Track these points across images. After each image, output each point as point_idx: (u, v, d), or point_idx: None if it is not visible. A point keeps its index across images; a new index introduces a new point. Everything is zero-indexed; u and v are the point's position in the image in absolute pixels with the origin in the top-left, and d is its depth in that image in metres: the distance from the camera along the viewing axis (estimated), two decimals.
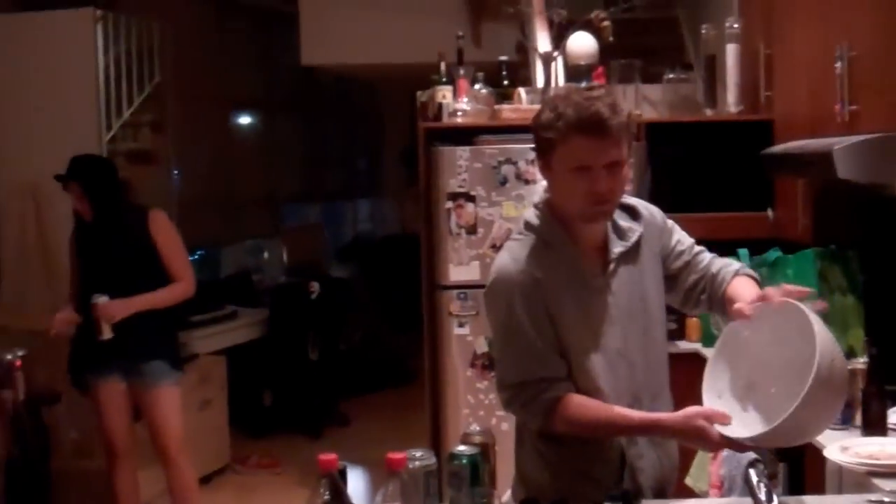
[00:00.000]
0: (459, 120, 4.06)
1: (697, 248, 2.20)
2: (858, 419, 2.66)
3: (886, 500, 2.02)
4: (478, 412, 3.90)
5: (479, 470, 1.91)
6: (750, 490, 1.76)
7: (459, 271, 3.93)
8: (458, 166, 3.90)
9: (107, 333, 3.78)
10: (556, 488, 2.04)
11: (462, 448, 1.94)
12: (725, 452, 3.17)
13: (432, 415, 4.04)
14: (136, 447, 4.10)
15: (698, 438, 1.92)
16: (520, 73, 5.01)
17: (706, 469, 3.30)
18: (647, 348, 2.10)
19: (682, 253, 2.18)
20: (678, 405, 3.37)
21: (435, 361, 4.02)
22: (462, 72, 4.13)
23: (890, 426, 2.57)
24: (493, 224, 3.92)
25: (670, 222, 2.21)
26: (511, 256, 2.05)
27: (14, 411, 3.67)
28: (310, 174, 8.71)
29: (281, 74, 7.85)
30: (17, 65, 4.95)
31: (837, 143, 2.77)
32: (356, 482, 1.90)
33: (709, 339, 3.85)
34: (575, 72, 4.16)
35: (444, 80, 4.17)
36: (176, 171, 6.38)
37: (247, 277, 6.97)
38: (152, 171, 5.88)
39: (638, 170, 3.76)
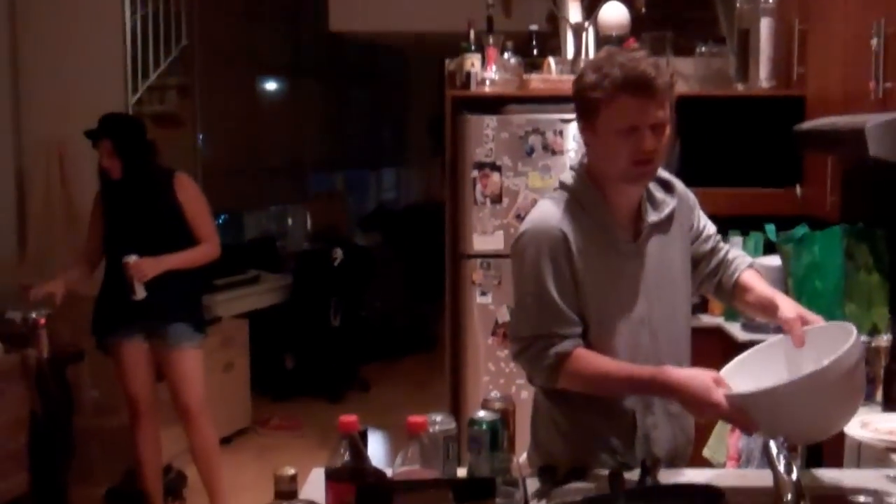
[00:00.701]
0: (487, 89, 4.05)
1: (717, 235, 2.23)
2: (879, 395, 2.65)
3: None
4: (498, 380, 3.91)
5: (499, 435, 1.92)
6: (770, 462, 1.75)
7: (483, 240, 3.93)
8: (485, 135, 3.89)
9: (140, 293, 3.80)
10: (571, 456, 2.05)
11: (482, 413, 1.95)
12: None
13: (452, 382, 4.06)
14: (159, 407, 4.14)
15: (702, 396, 1.85)
16: (550, 43, 4.98)
17: (724, 441, 3.30)
18: (671, 319, 2.10)
19: (709, 237, 2.19)
20: None
21: (456, 329, 4.04)
22: (491, 40, 4.11)
23: None
24: (518, 194, 3.91)
25: (698, 206, 2.21)
26: (543, 212, 2.04)
27: (38, 369, 3.70)
28: (335, 141, 8.69)
29: (308, 40, 7.82)
30: (44, 25, 4.95)
31: (870, 121, 2.73)
32: (376, 446, 1.92)
33: (731, 315, 3.84)
34: (606, 43, 4.12)
35: (472, 48, 4.15)
36: (201, 136, 6.39)
37: (270, 243, 7.01)
38: (178, 134, 5.88)
39: (668, 143, 3.73)
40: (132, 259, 3.79)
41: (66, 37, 4.96)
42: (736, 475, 2.37)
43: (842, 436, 2.48)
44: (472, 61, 4.11)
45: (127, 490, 4.33)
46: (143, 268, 3.80)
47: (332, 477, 1.68)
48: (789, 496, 1.66)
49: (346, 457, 1.69)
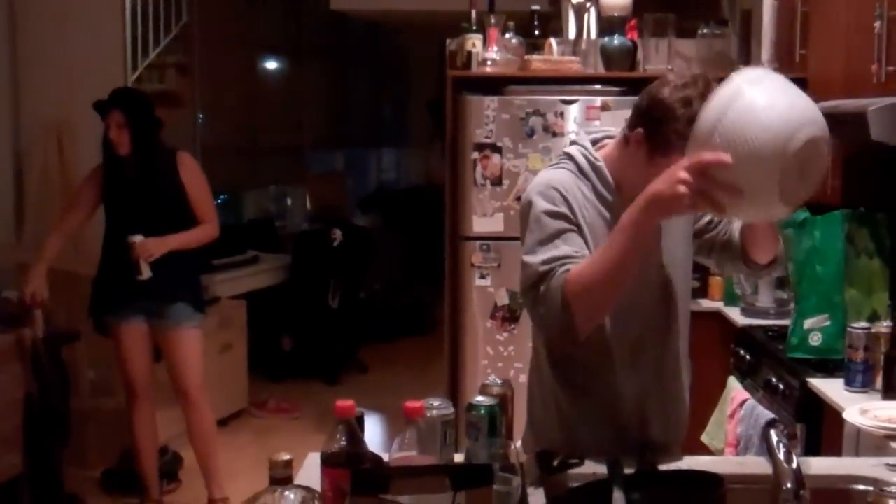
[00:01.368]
0: (489, 69, 4.02)
1: None
2: (879, 383, 2.64)
3: None
4: (496, 364, 3.90)
5: (497, 421, 1.90)
6: (769, 449, 1.74)
7: (483, 222, 3.91)
8: (486, 116, 3.86)
9: (146, 272, 3.79)
10: (567, 440, 2.04)
11: (480, 399, 1.93)
12: (742, 411, 3.18)
13: (451, 365, 4.05)
14: (155, 389, 4.13)
15: (668, 175, 1.68)
16: (552, 23, 4.95)
17: (723, 427, 3.30)
18: (666, 301, 2.08)
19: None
20: (699, 362, 3.37)
21: (455, 312, 4.02)
22: (493, 20, 4.07)
23: None
24: (518, 176, 3.89)
25: None
26: (550, 177, 2.00)
27: (34, 350, 3.69)
28: (335, 121, 8.66)
29: (309, 20, 7.77)
30: (42, 5, 4.91)
31: (872, 104, 2.71)
32: (373, 429, 1.91)
33: (731, 298, 3.83)
34: (608, 24, 4.09)
35: (474, 28, 4.12)
36: (201, 115, 6.36)
37: (269, 223, 6.99)
38: (177, 113, 5.84)
39: None
40: (138, 239, 3.78)
41: (65, 16, 4.92)
42: (734, 462, 2.36)
43: (841, 423, 2.48)
44: (474, 42, 4.08)
45: (123, 472, 4.34)
46: (150, 247, 3.79)
47: (327, 462, 1.66)
48: (789, 484, 1.65)
49: (343, 442, 1.67)
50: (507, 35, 4.12)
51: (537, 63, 3.97)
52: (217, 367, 5.04)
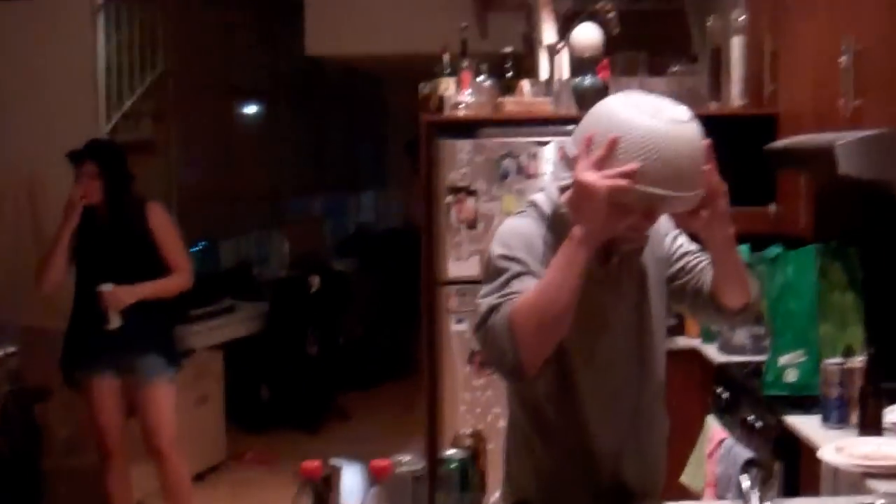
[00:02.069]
0: (461, 113, 4.02)
1: (701, 254, 2.11)
2: (855, 419, 2.61)
3: (880, 502, 1.98)
4: (474, 409, 3.86)
5: (469, 474, 1.88)
6: (743, 497, 1.71)
7: (459, 266, 3.89)
8: (460, 160, 3.85)
9: (115, 322, 3.77)
10: (543, 491, 2.01)
11: (451, 452, 1.91)
12: (721, 451, 3.15)
13: (429, 411, 4.01)
14: (128, 444, 4.06)
15: (586, 196, 1.76)
16: (526, 64, 4.96)
17: (702, 467, 3.26)
18: (640, 346, 2.05)
19: (681, 257, 2.11)
20: (678, 400, 3.33)
21: (433, 357, 3.99)
22: (465, 64, 4.08)
23: (886, 426, 2.52)
24: (493, 219, 3.87)
25: (675, 231, 2.13)
26: (513, 225, 2.00)
27: (2, 407, 3.62)
28: (313, 166, 8.66)
29: (286, 65, 7.80)
30: (16, 55, 4.90)
31: (840, 139, 2.72)
32: (354, 478, 1.87)
33: (708, 336, 3.81)
34: (579, 64, 4.10)
35: (447, 71, 4.13)
36: (177, 162, 6.34)
37: (247, 270, 6.93)
38: (154, 161, 5.84)
39: None
40: (107, 288, 3.75)
41: (37, 67, 4.91)
42: None
43: (819, 460, 2.45)
44: (447, 85, 4.09)
45: None
46: (119, 296, 3.76)
47: None
48: None
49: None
50: (480, 78, 4.13)
51: (510, 105, 3.98)
52: (194, 420, 4.97)
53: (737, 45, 3.90)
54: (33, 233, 4.70)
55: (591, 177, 1.76)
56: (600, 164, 1.76)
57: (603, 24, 4.03)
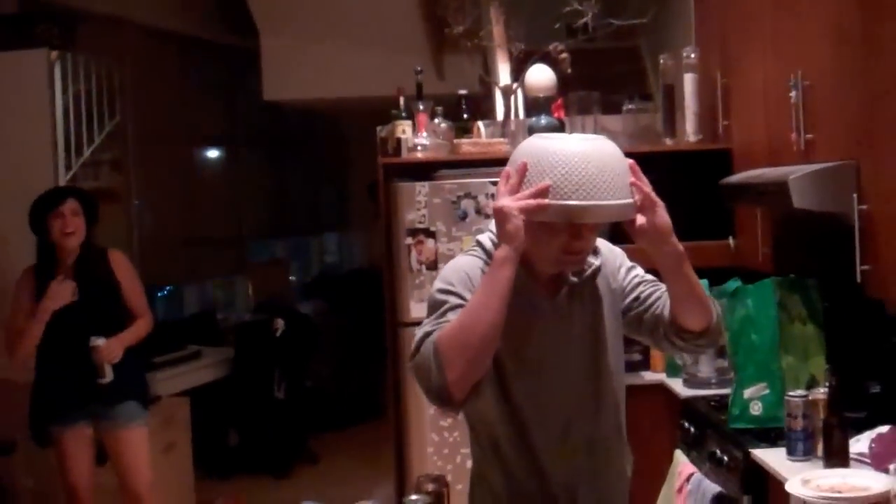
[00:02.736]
0: (419, 155, 4.05)
1: (658, 283, 2.12)
2: (820, 450, 2.63)
3: None
4: (442, 450, 3.84)
5: None
6: None
7: (420, 308, 3.81)
8: (418, 202, 3.86)
9: (109, 375, 3.78)
10: None
11: (413, 497, 1.90)
12: (689, 486, 3.15)
13: (396, 453, 3.98)
14: (98, 493, 4.01)
15: (501, 213, 1.85)
16: (483, 105, 5.01)
17: (672, 503, 3.26)
18: (594, 379, 2.06)
19: (634, 287, 2.13)
20: (645, 435, 3.33)
21: (398, 399, 3.97)
22: (421, 106, 4.11)
23: (852, 457, 2.54)
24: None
25: (630, 263, 2.17)
26: (457, 264, 2.04)
27: None
28: (276, 209, 8.65)
29: (245, 110, 7.81)
30: None
31: (793, 173, 2.76)
32: None
33: (673, 370, 3.83)
34: (534, 104, 4.15)
35: (403, 114, 4.15)
36: (138, 209, 6.32)
37: (211, 316, 6.89)
38: (114, 209, 5.80)
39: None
40: (101, 342, 3.76)
41: None
42: None
43: (786, 495, 2.46)
44: (403, 128, 4.11)
45: None
46: (113, 348, 3.79)
47: None
48: None
49: None
50: (437, 120, 4.16)
51: (466, 146, 4.01)
52: (161, 469, 4.88)
53: (689, 82, 3.96)
54: None
55: (505, 201, 1.85)
56: (514, 190, 1.85)
57: (555, 64, 4.08)
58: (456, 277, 1.97)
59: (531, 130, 4.04)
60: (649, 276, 2.14)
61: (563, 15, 4.30)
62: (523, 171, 1.85)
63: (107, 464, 4.00)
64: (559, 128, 4.03)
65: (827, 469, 2.49)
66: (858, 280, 2.64)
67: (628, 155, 1.95)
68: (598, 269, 2.08)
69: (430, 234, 3.86)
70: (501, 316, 1.84)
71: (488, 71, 5.10)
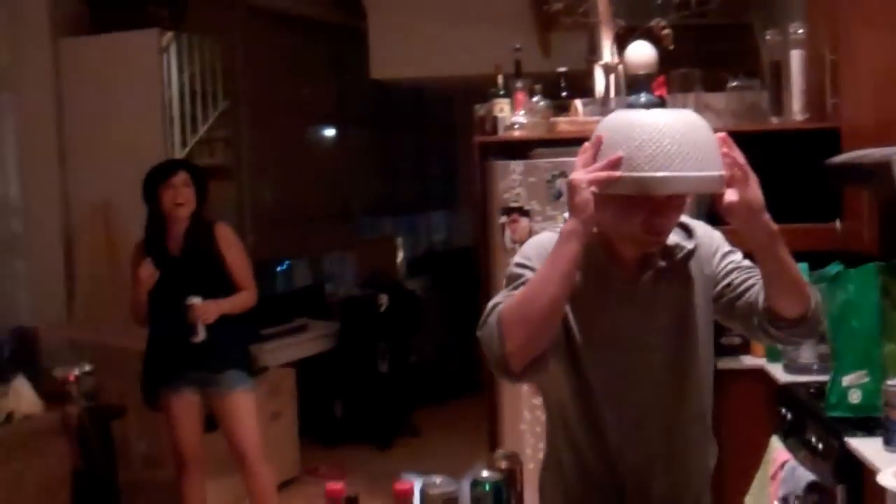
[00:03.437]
0: (516, 133, 4.03)
1: (754, 271, 2.01)
2: None
3: None
4: (534, 428, 3.85)
5: (503, 496, 1.88)
6: None
7: None
8: (512, 180, 3.86)
9: (202, 334, 3.86)
10: None
11: (485, 474, 1.92)
12: (783, 473, 3.08)
13: (490, 430, 4.01)
14: (210, 458, 4.16)
15: (572, 192, 1.82)
16: (586, 83, 4.94)
17: (766, 490, 3.20)
18: (678, 365, 2.01)
19: (731, 271, 2.03)
20: (742, 420, 3.27)
21: (493, 377, 3.98)
22: (519, 84, 4.09)
23: None
24: None
25: (728, 248, 2.08)
26: (540, 239, 2.02)
27: (79, 425, 3.74)
28: (385, 186, 8.75)
29: (354, 88, 7.90)
30: (91, 86, 5.08)
31: None
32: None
33: (774, 355, 3.74)
34: (634, 82, 4.07)
35: (501, 92, 4.14)
36: (251, 186, 6.48)
37: (320, 290, 7.05)
38: (228, 185, 5.98)
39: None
40: (197, 300, 3.85)
41: (109, 99, 5.08)
42: None
43: (881, 489, 2.38)
44: (501, 106, 4.10)
45: None
46: (208, 308, 3.87)
47: None
48: None
49: None
50: (535, 98, 4.14)
51: (563, 125, 3.97)
52: (268, 435, 5.04)
53: (796, 59, 3.83)
54: (109, 258, 4.85)
55: (577, 174, 1.81)
56: (588, 163, 1.82)
57: (657, 41, 3.99)
58: (534, 252, 1.96)
59: (630, 108, 3.98)
60: (746, 263, 2.04)
61: None
62: (598, 143, 1.81)
63: (218, 430, 4.13)
64: (659, 105, 3.95)
65: None
66: None
67: (732, 134, 1.90)
68: (690, 253, 2.02)
69: (525, 212, 3.86)
70: (563, 291, 1.81)
71: (593, 48, 5.03)
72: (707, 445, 2.12)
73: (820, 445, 2.94)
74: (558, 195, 3.84)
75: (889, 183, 2.67)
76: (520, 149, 3.96)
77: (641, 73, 3.99)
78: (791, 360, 3.61)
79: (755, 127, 4.00)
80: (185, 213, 3.99)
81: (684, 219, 2.06)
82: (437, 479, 1.88)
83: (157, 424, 4.25)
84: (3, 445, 3.33)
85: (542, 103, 4.09)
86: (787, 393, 3.42)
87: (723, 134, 1.86)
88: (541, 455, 2.08)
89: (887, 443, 2.63)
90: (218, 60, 5.72)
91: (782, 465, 3.10)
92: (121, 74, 5.04)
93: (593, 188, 1.78)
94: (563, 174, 3.84)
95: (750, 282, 2.00)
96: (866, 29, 3.30)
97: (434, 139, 9.32)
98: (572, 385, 1.98)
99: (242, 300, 4.04)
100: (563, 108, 4.11)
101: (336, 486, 1.68)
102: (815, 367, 3.53)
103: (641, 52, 4.02)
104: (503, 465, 1.98)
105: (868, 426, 2.80)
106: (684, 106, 4.04)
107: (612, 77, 4.13)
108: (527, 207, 3.86)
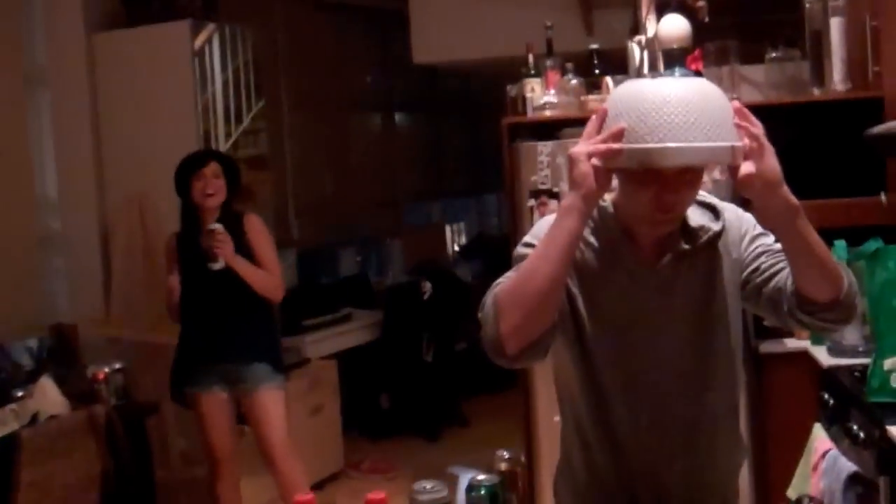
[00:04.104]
0: (547, 113, 3.91)
1: (773, 255, 1.91)
2: None
3: None
4: None
5: (499, 500, 1.80)
6: None
7: None
8: (540, 162, 3.75)
9: (220, 263, 3.77)
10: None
11: (482, 477, 1.84)
12: (825, 463, 2.93)
13: (526, 422, 3.92)
14: (243, 455, 4.13)
15: (571, 165, 1.75)
16: (626, 60, 4.79)
17: (808, 481, 3.05)
18: (703, 355, 1.89)
19: (759, 255, 1.91)
20: (784, 407, 3.12)
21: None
22: (549, 63, 3.97)
23: None
24: None
25: (758, 231, 1.95)
26: (549, 218, 1.89)
27: (107, 424, 3.73)
28: (432, 172, 8.66)
29: (398, 73, 7.84)
30: (125, 80, 5.09)
31: None
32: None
33: (817, 339, 3.56)
34: (668, 56, 3.91)
35: (532, 72, 4.03)
36: (294, 174, 6.46)
37: (364, 278, 7.00)
38: (271, 175, 5.96)
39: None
40: (219, 227, 3.78)
41: (143, 93, 5.08)
42: None
43: None
44: (532, 86, 3.99)
45: None
46: (228, 241, 3.78)
47: None
48: None
49: None
50: (567, 76, 4.01)
51: (593, 103, 3.83)
52: (308, 430, 5.02)
53: (836, 27, 3.64)
54: (145, 253, 4.85)
55: (578, 146, 1.75)
56: (591, 136, 1.75)
57: (691, 13, 3.83)
58: (541, 232, 1.85)
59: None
60: (777, 246, 1.89)
61: None
62: (602, 115, 1.74)
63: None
64: None
65: None
66: None
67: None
68: (716, 235, 1.90)
69: (553, 195, 3.74)
70: (559, 269, 1.72)
71: (636, 25, 4.88)
72: (736, 445, 1.99)
73: (861, 434, 2.78)
74: None
75: None
76: (550, 130, 3.84)
77: (675, 46, 3.83)
78: (835, 342, 3.44)
79: (796, 99, 3.82)
80: (216, 204, 3.93)
81: (713, 200, 1.96)
82: (428, 485, 1.79)
83: (194, 421, 4.23)
84: (30, 447, 3.32)
85: (573, 81, 3.96)
86: (830, 377, 3.26)
87: (736, 103, 1.74)
88: None
89: None
90: (259, 50, 5.70)
91: (823, 455, 2.94)
92: (155, 67, 5.04)
93: (594, 161, 1.69)
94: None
95: (779, 266, 1.87)
96: None
97: (483, 123, 9.20)
98: (581, 374, 1.89)
99: (263, 276, 3.91)
100: (595, 85, 3.97)
101: (377, 495, 1.61)
102: (861, 348, 3.35)
103: (674, 26, 3.85)
104: (503, 467, 1.89)
105: None
106: (720, 80, 3.87)
107: (645, 53, 3.98)
108: (555, 189, 3.74)
